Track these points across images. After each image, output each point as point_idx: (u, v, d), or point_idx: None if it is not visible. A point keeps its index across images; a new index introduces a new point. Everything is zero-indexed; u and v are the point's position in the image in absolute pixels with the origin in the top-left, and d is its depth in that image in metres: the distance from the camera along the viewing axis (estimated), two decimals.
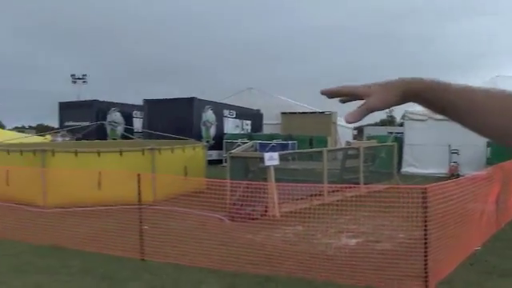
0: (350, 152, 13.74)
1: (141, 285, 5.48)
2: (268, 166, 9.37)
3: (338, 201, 9.41)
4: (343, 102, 1.19)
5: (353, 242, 7.43)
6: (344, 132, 37.12)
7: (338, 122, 34.80)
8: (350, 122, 1.18)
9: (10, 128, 63.56)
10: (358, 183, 12.21)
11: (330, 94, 1.17)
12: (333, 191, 10.94)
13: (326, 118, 33.22)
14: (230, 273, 5.84)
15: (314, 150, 18.33)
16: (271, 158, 9.32)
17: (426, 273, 5.33)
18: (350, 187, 11.02)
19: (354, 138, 44.74)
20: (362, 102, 1.12)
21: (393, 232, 7.70)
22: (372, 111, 1.11)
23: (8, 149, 11.86)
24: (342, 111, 38.04)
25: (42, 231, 7.93)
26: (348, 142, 20.12)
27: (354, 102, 1.16)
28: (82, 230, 8.10)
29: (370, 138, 26.79)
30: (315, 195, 10.51)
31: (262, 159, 9.57)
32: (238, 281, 5.59)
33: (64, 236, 7.61)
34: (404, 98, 1.11)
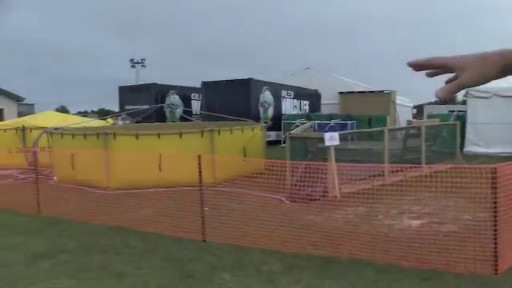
0: (411, 131, 13.23)
1: (202, 265, 5.44)
2: (328, 146, 9.12)
3: (399, 181, 9.09)
4: (431, 75, 1.06)
5: (416, 223, 7.12)
6: (403, 111, 36.12)
7: (397, 101, 33.86)
8: (440, 98, 1.03)
9: (74, 113, 66.04)
10: (419, 163, 11.76)
11: (418, 67, 1.04)
12: (394, 171, 10.59)
13: (384, 96, 32.41)
14: (291, 254, 5.72)
15: (374, 129, 17.84)
16: (331, 138, 9.07)
17: (495, 257, 4.99)
18: (412, 167, 10.58)
19: (414, 116, 43.48)
20: (449, 75, 1.01)
21: (458, 213, 7.33)
22: (466, 87, 0.98)
23: (73, 133, 12.18)
24: (400, 90, 37.00)
25: (106, 213, 8.09)
26: (409, 121, 19.43)
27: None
28: (144, 211, 8.21)
29: (430, 116, 25.80)
30: (376, 176, 10.21)
31: (322, 139, 9.32)
32: (300, 262, 5.45)
33: (127, 217, 7.73)
34: (505, 72, 0.97)
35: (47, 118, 18.22)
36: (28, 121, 17.42)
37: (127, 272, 5.31)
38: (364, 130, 18.56)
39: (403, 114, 35.03)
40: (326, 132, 11.45)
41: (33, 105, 60.68)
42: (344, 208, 8.01)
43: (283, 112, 26.63)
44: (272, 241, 6.17)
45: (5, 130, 16.61)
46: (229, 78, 25.12)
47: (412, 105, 43.35)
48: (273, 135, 24.11)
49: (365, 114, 26.61)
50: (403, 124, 32.63)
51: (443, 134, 14.26)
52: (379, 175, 10.26)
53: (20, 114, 38.68)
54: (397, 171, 10.42)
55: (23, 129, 16.24)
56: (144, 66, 73.28)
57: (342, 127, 21.46)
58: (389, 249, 5.60)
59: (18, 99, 43.35)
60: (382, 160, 11.10)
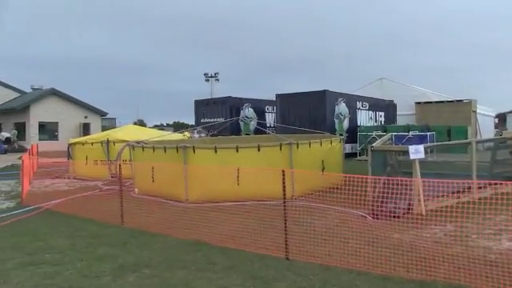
0: (501, 143, 12.40)
1: (287, 286, 5.25)
2: (413, 160, 8.69)
3: (489, 198, 8.47)
4: None
5: None
6: (484, 121, 34.43)
7: (478, 110, 32.32)
8: None
9: (151, 126, 68.39)
10: (511, 178, 10.98)
11: None
12: (483, 187, 9.94)
13: (464, 106, 31.11)
14: (380, 276, 5.41)
15: (461, 141, 17.00)
16: (417, 151, 8.64)
17: None
18: (503, 183, 9.88)
19: (496, 126, 41.34)
20: None
21: None
22: None
23: (153, 146, 12.44)
24: (481, 98, 35.35)
25: (186, 226, 8.13)
26: (498, 132, 18.36)
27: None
28: (224, 226, 8.15)
29: None
30: (462, 191, 9.62)
31: (406, 152, 8.91)
32: (391, 285, 5.14)
33: (207, 232, 7.71)
34: None
35: (129, 132, 18.90)
36: (111, 134, 18.11)
37: None
38: (451, 142, 17.74)
39: (485, 124, 33.41)
40: (404, 144, 10.99)
41: (115, 119, 63.47)
42: (431, 226, 7.57)
43: (359, 124, 26.12)
44: (359, 260, 5.89)
45: (92, 144, 17.37)
46: (303, 91, 24.98)
47: (494, 114, 41.23)
48: (348, 148, 23.68)
49: (444, 125, 25.61)
50: (484, 135, 31.15)
51: None
52: (466, 190, 9.68)
53: (103, 128, 40.55)
54: (485, 186, 9.78)
55: (107, 142, 16.88)
56: (218, 79, 74.68)
57: (421, 139, 20.66)
58: (490, 274, 5.14)
59: (101, 114, 45.49)
60: (468, 174, 10.48)
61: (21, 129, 40.88)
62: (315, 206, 9.18)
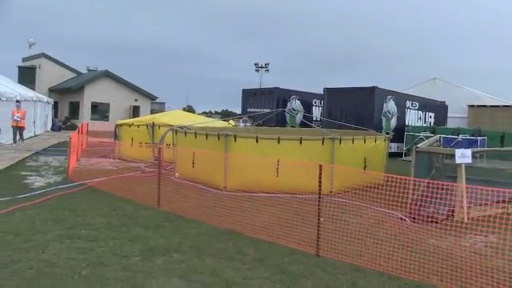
0: None
1: (314, 283, 5.15)
2: (459, 164, 8.37)
3: None
4: None
5: None
6: None
7: None
8: None
9: (199, 113, 69.16)
10: None
11: None
12: None
13: None
14: (412, 283, 5.22)
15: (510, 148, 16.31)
16: (463, 156, 8.31)
17: None
18: None
19: None
20: None
21: None
22: None
23: (196, 132, 12.51)
24: None
25: (221, 214, 8.13)
26: None
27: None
28: (258, 217, 8.10)
29: None
30: (509, 201, 9.19)
31: (452, 156, 8.59)
32: None
33: (240, 221, 7.68)
34: None
35: (175, 117, 19.09)
36: (157, 118, 18.35)
37: (237, 281, 5.18)
38: (502, 148, 17.05)
39: None
40: (452, 147, 10.56)
41: (164, 103, 64.53)
42: (471, 235, 7.27)
43: (407, 123, 25.46)
44: (391, 264, 5.70)
45: (138, 126, 17.68)
46: (352, 86, 24.55)
47: None
48: (394, 147, 23.15)
49: (497, 130, 24.62)
50: None
51: None
52: None
53: (152, 112, 41.26)
54: None
55: (153, 125, 17.13)
56: (267, 70, 74.64)
57: (471, 143, 19.92)
58: None
59: (151, 98, 46.34)
60: None
61: (75, 108, 42.17)
62: (352, 203, 9.00)
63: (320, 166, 6.45)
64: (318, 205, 6.41)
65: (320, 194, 6.42)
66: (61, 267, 5.42)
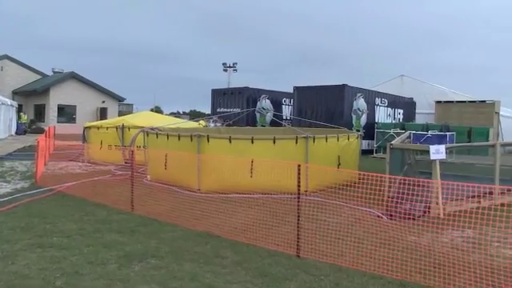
0: None
1: (298, 286, 5.05)
2: (434, 160, 8.42)
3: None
4: None
5: None
6: (508, 123, 33.75)
7: (501, 112, 31.66)
8: None
9: (167, 113, 68.58)
10: None
11: None
12: (506, 191, 9.61)
13: (487, 107, 30.44)
14: (396, 282, 5.17)
15: (483, 143, 16.60)
16: (437, 152, 8.36)
17: None
18: None
19: None
20: None
21: None
22: None
23: (168, 133, 12.31)
24: (505, 100, 34.59)
25: (196, 217, 7.99)
26: None
27: None
28: (235, 219, 7.98)
29: None
30: (483, 195, 9.31)
31: (425, 152, 8.64)
32: None
33: (217, 224, 7.56)
34: None
35: (145, 118, 18.82)
36: (127, 120, 18.04)
37: (218, 286, 5.05)
38: (473, 143, 17.34)
39: (508, 127, 32.74)
40: (422, 143, 10.70)
41: (132, 105, 63.79)
42: (449, 230, 7.31)
43: (376, 120, 25.71)
44: (373, 263, 5.66)
45: (107, 128, 17.34)
46: (321, 84, 24.63)
47: None
48: (364, 144, 23.33)
49: (464, 126, 25.10)
50: (507, 137, 30.50)
51: None
52: (486, 195, 9.37)
53: (120, 113, 40.74)
54: (509, 191, 9.46)
55: (122, 127, 16.81)
56: (236, 70, 74.66)
57: (440, 139, 20.24)
58: None
59: (119, 99, 45.71)
60: (488, 177, 10.17)
61: (41, 111, 41.25)
62: (329, 202, 8.96)
63: (299, 165, 6.37)
64: (298, 205, 6.32)
65: (299, 193, 6.33)
66: (33, 279, 5.18)
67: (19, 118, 36.59)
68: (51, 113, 40.14)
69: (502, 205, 7.30)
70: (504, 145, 11.68)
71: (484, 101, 31.00)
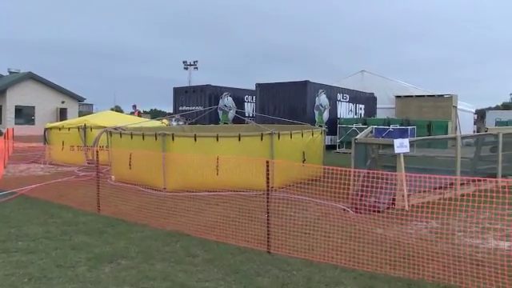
0: (486, 139, 12.33)
1: (271, 282, 5.11)
2: (398, 154, 8.63)
3: (472, 194, 8.40)
4: None
5: (505, 245, 6.43)
6: (464, 116, 34.80)
7: (459, 106, 32.62)
8: None
9: (127, 113, 67.63)
10: (494, 175, 11.01)
11: None
12: (465, 183, 9.92)
13: (445, 101, 31.34)
14: (366, 273, 5.29)
15: (445, 136, 17.03)
16: (402, 145, 8.57)
17: None
18: (486, 179, 9.86)
19: (475, 122, 41.82)
20: None
21: None
22: None
23: (131, 133, 12.17)
24: (462, 94, 35.64)
25: (164, 216, 7.96)
26: (486, 128, 18.36)
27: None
28: (204, 217, 7.99)
29: (500, 123, 24.64)
30: (445, 187, 9.59)
31: (388, 146, 8.85)
32: (379, 284, 5.00)
33: (186, 222, 7.55)
34: None
35: (107, 118, 18.54)
36: (89, 120, 17.73)
37: (191, 284, 5.06)
38: (435, 136, 17.77)
39: (464, 120, 33.73)
40: (384, 137, 10.92)
41: (92, 105, 62.65)
42: (414, 222, 7.51)
43: (339, 116, 26.06)
44: (343, 256, 5.77)
45: (68, 129, 17.01)
46: (283, 81, 24.79)
47: (474, 110, 41.68)
48: (327, 139, 23.61)
49: (424, 119, 25.73)
50: (464, 130, 31.46)
51: None
52: (448, 186, 9.65)
53: (80, 114, 39.98)
54: (468, 182, 9.76)
55: (84, 127, 16.52)
56: (196, 68, 74.27)
57: (402, 133, 20.67)
58: (477, 274, 5.03)
59: (79, 99, 44.84)
60: (449, 169, 10.47)
61: None
62: (295, 197, 9.06)
63: (267, 161, 6.43)
64: (267, 201, 6.38)
65: (268, 190, 6.40)
66: None
67: None
68: (8, 114, 39.04)
69: (463, 195, 7.55)
70: (463, 137, 12.02)
71: (442, 95, 31.87)
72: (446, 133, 23.30)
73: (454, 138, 10.82)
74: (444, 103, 30.72)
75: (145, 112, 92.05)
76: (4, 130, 23.63)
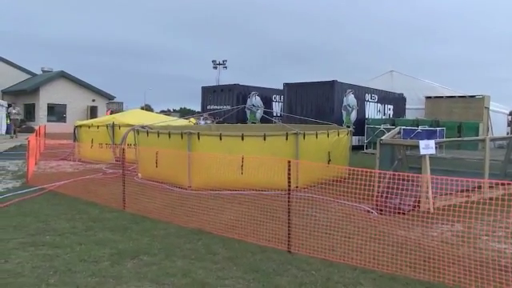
0: None
1: (289, 281, 5.12)
2: (423, 155, 8.51)
3: (501, 198, 8.22)
4: None
5: None
6: (497, 118, 34.03)
7: (491, 107, 31.94)
8: None
9: (157, 111, 68.42)
10: None
11: None
12: (494, 186, 9.70)
13: (477, 102, 30.71)
14: (386, 275, 5.25)
15: (473, 138, 16.74)
16: (427, 147, 8.45)
17: None
18: None
19: (509, 124, 40.85)
20: None
21: None
22: None
23: (158, 131, 12.32)
24: (495, 95, 34.85)
25: (188, 214, 8.02)
26: None
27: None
28: (226, 215, 8.03)
29: None
30: (472, 190, 9.40)
31: (415, 147, 8.74)
32: (398, 286, 4.96)
33: (208, 220, 7.61)
34: None
35: (135, 116, 18.79)
36: (117, 118, 18.02)
37: (210, 282, 5.10)
38: (463, 138, 17.46)
39: (497, 121, 32.99)
40: (412, 138, 10.75)
41: (122, 103, 63.61)
42: (438, 225, 7.41)
43: (367, 116, 25.85)
44: (363, 257, 5.74)
45: (97, 127, 17.31)
46: (312, 80, 24.72)
47: (508, 111, 40.68)
48: (355, 140, 23.45)
49: (454, 121, 25.33)
50: (496, 132, 30.80)
51: None
52: (476, 189, 9.46)
53: (110, 112, 40.58)
54: (497, 185, 9.56)
55: (113, 125, 16.80)
56: (225, 67, 74.66)
57: (431, 134, 20.41)
58: (500, 280, 4.94)
59: (109, 97, 45.57)
60: (478, 172, 10.27)
61: (30, 110, 41.04)
62: (319, 198, 9.04)
63: (289, 162, 6.43)
64: (288, 201, 6.38)
65: (290, 189, 6.40)
66: (26, 276, 5.21)
67: (7, 116, 36.35)
68: (41, 112, 39.98)
69: (491, 199, 7.38)
70: (493, 139, 11.78)
71: (473, 96, 31.25)
72: (477, 135, 22.89)
73: (483, 140, 10.58)
74: (475, 104, 30.11)
75: (174, 111, 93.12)
76: (36, 127, 24.17)
